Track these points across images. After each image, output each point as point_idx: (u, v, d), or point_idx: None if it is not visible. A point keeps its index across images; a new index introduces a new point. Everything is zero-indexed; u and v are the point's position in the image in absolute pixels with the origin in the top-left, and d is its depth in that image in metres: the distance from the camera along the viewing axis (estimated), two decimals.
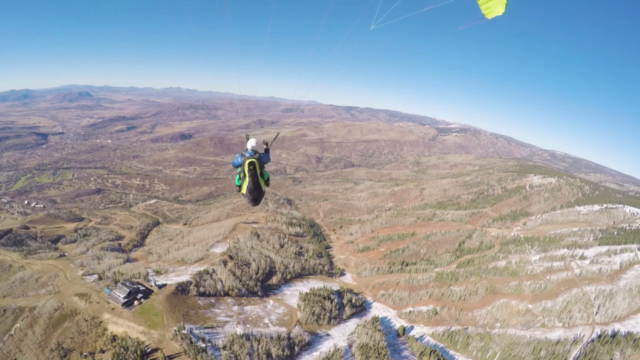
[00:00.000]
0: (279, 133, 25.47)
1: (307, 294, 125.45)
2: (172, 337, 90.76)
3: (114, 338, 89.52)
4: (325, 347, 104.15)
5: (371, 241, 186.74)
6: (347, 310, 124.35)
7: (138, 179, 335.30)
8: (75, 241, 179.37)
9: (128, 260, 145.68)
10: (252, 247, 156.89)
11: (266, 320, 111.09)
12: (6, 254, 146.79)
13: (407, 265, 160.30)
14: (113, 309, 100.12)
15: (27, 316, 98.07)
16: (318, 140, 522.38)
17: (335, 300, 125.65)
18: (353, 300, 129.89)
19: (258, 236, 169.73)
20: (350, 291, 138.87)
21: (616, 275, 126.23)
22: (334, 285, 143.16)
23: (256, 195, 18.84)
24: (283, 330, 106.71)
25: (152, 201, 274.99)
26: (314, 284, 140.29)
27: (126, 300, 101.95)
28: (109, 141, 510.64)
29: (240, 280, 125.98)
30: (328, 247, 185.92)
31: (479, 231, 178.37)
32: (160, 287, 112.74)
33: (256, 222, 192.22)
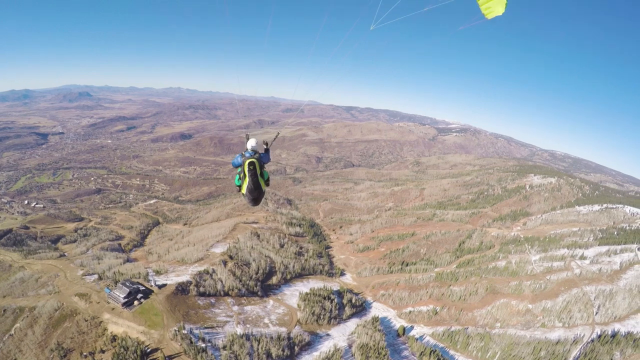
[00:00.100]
0: (278, 133, 25.44)
1: (307, 294, 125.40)
2: (172, 337, 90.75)
3: (114, 338, 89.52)
4: (325, 347, 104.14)
5: (371, 241, 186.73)
6: (347, 310, 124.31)
7: (138, 179, 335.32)
8: (75, 241, 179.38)
9: (128, 260, 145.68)
10: (252, 247, 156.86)
11: (266, 320, 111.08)
12: (6, 254, 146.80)
13: (407, 265, 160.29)
14: (113, 309, 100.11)
15: (27, 316, 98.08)
16: (318, 140, 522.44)
17: (335, 300, 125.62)
18: (353, 300, 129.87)
19: (258, 236, 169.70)
20: (350, 291, 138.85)
21: (616, 275, 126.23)
22: (334, 285, 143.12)
23: (256, 195, 18.83)
24: (283, 330, 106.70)
25: (152, 201, 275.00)
26: (314, 284, 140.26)
27: (126, 300, 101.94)
28: (109, 141, 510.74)
29: (240, 280, 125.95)
30: (328, 247, 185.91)
31: (479, 231, 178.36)
32: (160, 287, 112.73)
33: (256, 222, 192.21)
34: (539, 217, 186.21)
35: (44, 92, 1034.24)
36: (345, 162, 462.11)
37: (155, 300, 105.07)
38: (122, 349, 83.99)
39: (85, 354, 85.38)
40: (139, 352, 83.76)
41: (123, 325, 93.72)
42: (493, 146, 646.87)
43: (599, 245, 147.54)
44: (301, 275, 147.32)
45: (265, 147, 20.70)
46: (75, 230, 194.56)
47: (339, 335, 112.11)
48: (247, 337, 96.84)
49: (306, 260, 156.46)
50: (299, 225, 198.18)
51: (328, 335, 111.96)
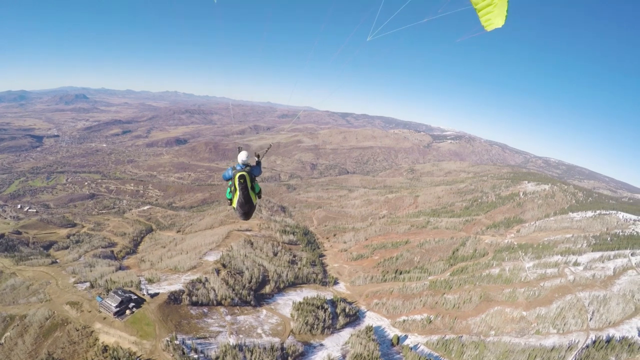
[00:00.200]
0: (270, 145, 25.54)
1: (300, 303, 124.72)
2: (164, 348, 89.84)
3: (105, 348, 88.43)
4: (319, 357, 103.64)
5: (365, 249, 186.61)
6: (341, 320, 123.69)
7: (132, 185, 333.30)
8: (67, 247, 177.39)
9: (120, 268, 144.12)
10: (245, 255, 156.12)
11: (259, 331, 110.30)
12: None
13: (400, 273, 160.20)
14: (105, 318, 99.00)
15: (18, 325, 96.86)
16: (313, 146, 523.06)
17: (329, 309, 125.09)
18: (347, 310, 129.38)
19: (251, 244, 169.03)
20: (344, 300, 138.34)
21: (610, 281, 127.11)
22: (328, 294, 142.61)
23: (247, 210, 18.87)
24: (276, 340, 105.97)
25: (145, 207, 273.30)
26: (307, 293, 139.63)
27: (118, 309, 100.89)
28: (104, 145, 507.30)
29: (233, 290, 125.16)
30: (322, 256, 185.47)
31: (472, 239, 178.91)
32: (153, 296, 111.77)
33: (250, 230, 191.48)
34: (533, 224, 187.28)
35: (40, 93, 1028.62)
36: (340, 169, 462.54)
37: (148, 310, 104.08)
38: None
39: None
40: None
41: (115, 335, 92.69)
42: (487, 153, 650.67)
43: (592, 251, 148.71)
44: (295, 284, 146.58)
45: (256, 159, 20.59)
46: (68, 237, 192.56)
47: (333, 345, 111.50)
48: (240, 347, 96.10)
49: (300, 268, 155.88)
50: (293, 233, 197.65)
51: (322, 345, 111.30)
